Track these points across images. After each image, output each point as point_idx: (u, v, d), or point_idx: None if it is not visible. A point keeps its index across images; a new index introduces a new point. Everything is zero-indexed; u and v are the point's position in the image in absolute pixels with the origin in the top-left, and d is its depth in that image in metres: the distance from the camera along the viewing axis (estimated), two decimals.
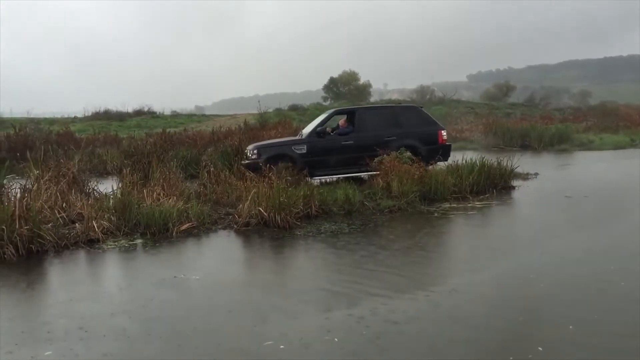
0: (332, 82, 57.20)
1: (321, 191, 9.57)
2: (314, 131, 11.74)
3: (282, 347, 4.06)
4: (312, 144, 11.47)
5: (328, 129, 12.19)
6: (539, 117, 32.62)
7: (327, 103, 50.22)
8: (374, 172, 10.87)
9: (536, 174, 13.40)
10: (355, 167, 11.36)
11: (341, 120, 12.15)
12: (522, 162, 12.54)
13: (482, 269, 6.02)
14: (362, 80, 58.28)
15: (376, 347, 4.01)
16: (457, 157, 11.65)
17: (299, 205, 8.68)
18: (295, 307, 4.94)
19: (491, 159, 11.77)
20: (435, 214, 9.16)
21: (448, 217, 8.92)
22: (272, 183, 8.88)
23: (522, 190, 11.32)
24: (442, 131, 12.32)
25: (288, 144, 11.75)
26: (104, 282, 6.13)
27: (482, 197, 10.51)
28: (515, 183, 11.83)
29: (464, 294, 5.16)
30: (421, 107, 13.23)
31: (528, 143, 21.87)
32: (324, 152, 11.34)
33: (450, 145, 12.58)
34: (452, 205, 9.85)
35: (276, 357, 3.91)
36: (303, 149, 11.39)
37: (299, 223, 8.39)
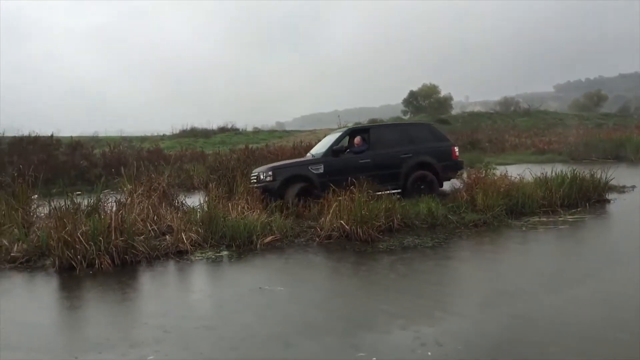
0: (412, 95, 56.79)
1: (403, 204, 9.45)
2: (329, 150, 11.20)
3: (374, 359, 4.02)
4: (329, 164, 10.96)
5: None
6: (634, 128, 30.77)
7: (407, 117, 49.84)
8: (394, 191, 10.63)
9: (633, 186, 12.62)
10: (375, 186, 10.57)
11: (356, 139, 11.63)
12: (617, 175, 11.84)
13: (584, 283, 5.70)
14: (442, 93, 57.45)
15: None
16: (545, 170, 11.18)
17: (380, 219, 8.62)
18: (383, 320, 4.87)
19: (583, 171, 11.20)
20: (524, 228, 8.80)
21: (538, 231, 8.54)
22: (354, 196, 8.87)
23: (618, 204, 10.68)
24: (455, 147, 12.02)
25: (304, 164, 11.19)
26: (194, 291, 6.33)
27: (573, 210, 10.00)
28: (610, 196, 11.19)
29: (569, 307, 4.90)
30: (431, 124, 13.18)
31: (623, 155, 20.65)
32: (341, 172, 10.66)
33: (462, 161, 12.33)
34: (542, 219, 9.44)
35: None
36: (320, 169, 10.87)
37: (381, 236, 8.32)
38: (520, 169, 12.33)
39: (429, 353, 4.08)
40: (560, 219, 9.40)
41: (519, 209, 9.78)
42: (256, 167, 12.25)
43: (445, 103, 57.12)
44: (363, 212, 8.42)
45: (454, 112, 54.34)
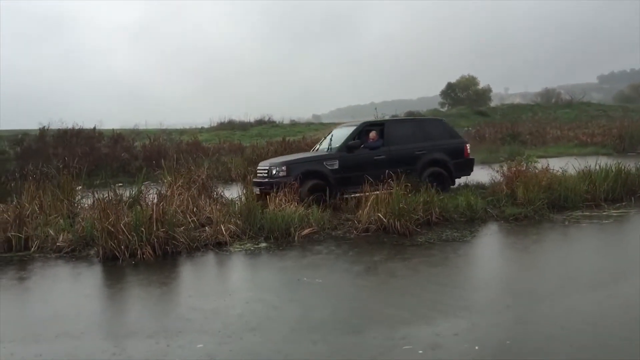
0: (450, 87, 56.06)
1: (441, 198, 9.36)
2: (344, 145, 10.77)
3: (420, 352, 4.02)
4: (344, 159, 10.53)
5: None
6: None
7: (444, 109, 49.24)
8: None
9: None
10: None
11: (371, 134, 11.18)
12: None
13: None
14: (481, 85, 56.51)
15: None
16: (589, 163, 10.90)
17: (418, 212, 8.56)
18: (426, 313, 4.84)
19: (628, 164, 10.88)
20: (566, 223, 8.62)
21: (581, 226, 8.36)
22: (392, 189, 8.82)
23: None
24: (467, 145, 11.76)
25: (319, 159, 10.67)
26: (235, 281, 6.43)
27: (618, 205, 9.74)
28: None
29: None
30: (444, 120, 12.81)
31: None
32: (356, 168, 10.37)
33: (473, 159, 11.97)
34: (584, 213, 9.23)
35: None
36: (335, 165, 10.43)
37: (419, 230, 8.27)
38: (562, 162, 12.03)
39: (476, 347, 4.05)
40: (604, 213, 9.16)
41: (561, 203, 9.59)
42: (267, 160, 11.82)
43: (483, 95, 56.18)
44: (401, 205, 8.37)
45: (492, 104, 53.42)
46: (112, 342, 4.49)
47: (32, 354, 4.29)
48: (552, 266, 6.44)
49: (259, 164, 11.30)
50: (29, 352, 4.34)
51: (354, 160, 10.59)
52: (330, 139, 11.53)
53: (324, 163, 10.45)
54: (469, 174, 11.51)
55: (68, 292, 6.25)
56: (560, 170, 10.60)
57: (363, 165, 10.43)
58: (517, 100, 57.76)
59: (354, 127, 11.34)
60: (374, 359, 3.95)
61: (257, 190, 10.14)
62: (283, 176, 10.01)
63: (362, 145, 10.90)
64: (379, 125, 11.44)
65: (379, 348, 4.12)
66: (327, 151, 11.04)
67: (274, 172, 10.23)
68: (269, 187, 9.75)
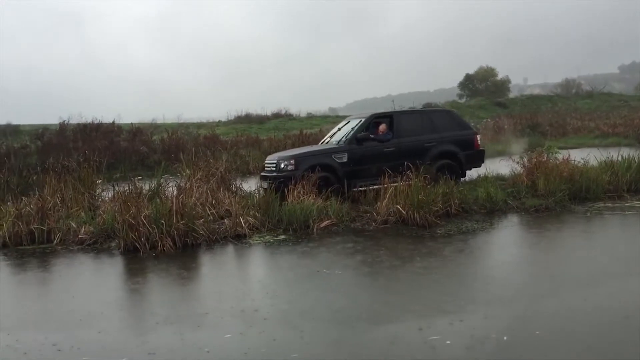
0: (468, 78, 55.49)
1: (461, 189, 9.29)
2: (353, 138, 10.54)
3: (448, 342, 4.01)
4: (353, 152, 10.32)
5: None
6: None
7: (462, 101, 48.81)
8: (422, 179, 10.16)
9: None
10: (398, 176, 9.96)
11: (381, 126, 10.95)
12: None
13: None
14: (499, 76, 55.87)
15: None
16: (611, 154, 10.74)
17: (438, 204, 8.51)
18: (449, 304, 4.82)
19: None
20: (588, 214, 8.51)
21: (603, 217, 8.25)
22: (410, 181, 8.78)
23: None
24: (478, 136, 11.50)
25: (328, 152, 10.45)
26: (255, 273, 6.46)
27: None
28: None
29: None
30: (454, 111, 12.49)
31: None
32: (366, 161, 10.25)
33: (484, 150, 11.69)
34: (607, 204, 9.11)
35: (446, 353, 3.84)
36: (344, 158, 10.23)
37: (438, 221, 8.22)
38: (583, 153, 11.88)
39: (505, 337, 4.03)
40: (626, 204, 9.03)
41: (582, 194, 9.46)
42: (274, 154, 11.63)
43: (502, 86, 55.55)
44: (420, 197, 8.33)
45: (511, 95, 52.84)
46: (136, 332, 4.54)
47: (56, 341, 4.35)
48: (577, 258, 6.37)
49: (267, 158, 11.20)
50: (54, 340, 4.40)
51: (363, 153, 10.41)
52: (339, 132, 11.41)
53: (333, 156, 10.28)
54: (480, 166, 11.28)
55: (91, 283, 6.33)
56: (582, 161, 10.46)
57: (372, 158, 10.31)
58: (536, 91, 57.07)
59: (363, 119, 11.13)
60: (402, 349, 3.94)
61: (264, 184, 10.12)
62: (291, 170, 9.90)
63: (372, 138, 10.72)
64: (387, 117, 11.24)
65: (406, 338, 4.12)
66: (336, 144, 10.88)
67: (282, 165, 10.10)
68: (277, 181, 9.71)
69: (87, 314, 5.06)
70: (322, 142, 11.97)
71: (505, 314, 4.55)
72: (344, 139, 10.78)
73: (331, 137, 11.63)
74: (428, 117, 11.46)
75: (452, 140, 11.02)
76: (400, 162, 9.97)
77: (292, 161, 10.07)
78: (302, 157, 10.32)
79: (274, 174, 10.12)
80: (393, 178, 9.20)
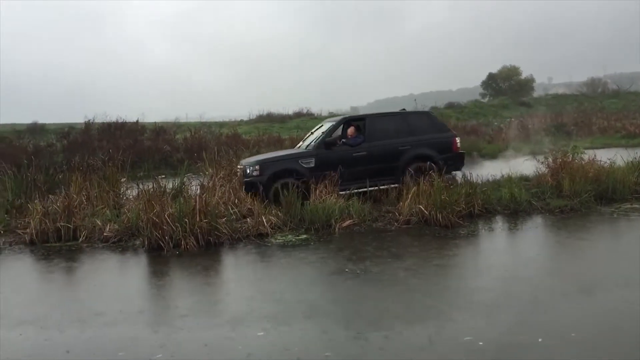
0: (491, 77, 54.85)
1: (484, 189, 9.21)
2: (321, 142, 10.23)
3: (480, 343, 4.00)
4: (321, 157, 9.98)
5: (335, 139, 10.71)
6: None
7: (485, 100, 48.33)
8: (393, 185, 9.89)
9: None
10: (371, 181, 9.85)
11: (349, 129, 10.58)
12: None
13: None
14: (523, 75, 55.13)
15: None
16: (638, 154, 10.55)
17: (461, 204, 8.44)
18: (476, 304, 4.79)
19: None
20: (615, 215, 8.38)
21: (630, 219, 8.11)
22: (433, 181, 8.73)
23: None
24: (457, 138, 11.03)
25: (294, 157, 10.21)
26: (278, 271, 6.46)
27: None
28: None
29: None
30: (431, 112, 12.13)
31: None
32: (334, 166, 9.68)
33: (464, 153, 11.31)
34: (634, 205, 8.94)
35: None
36: (311, 163, 9.90)
37: (461, 222, 8.16)
38: (609, 153, 11.66)
39: (540, 339, 4.01)
40: None
41: (608, 195, 9.31)
42: (245, 158, 11.31)
43: (526, 85, 54.77)
44: (443, 197, 8.28)
45: (535, 94, 52.12)
46: (162, 328, 4.60)
47: (84, 338, 4.43)
48: (605, 259, 6.28)
49: (240, 162, 10.89)
50: (81, 336, 4.48)
51: (332, 158, 10.01)
52: (311, 136, 11.11)
53: (300, 161, 9.98)
54: (459, 169, 10.81)
55: (118, 280, 6.44)
56: (608, 162, 10.29)
57: (342, 163, 9.84)
58: (561, 91, 56.08)
59: (333, 123, 10.85)
60: (433, 348, 3.93)
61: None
62: (256, 175, 9.68)
63: (343, 141, 10.43)
64: (360, 120, 10.95)
65: (436, 337, 4.12)
66: (304, 149, 10.54)
67: (247, 171, 9.89)
68: (244, 186, 9.54)
69: (113, 310, 5.14)
70: (296, 147, 11.60)
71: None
72: (313, 143, 10.49)
73: (304, 141, 11.31)
74: (403, 120, 10.96)
75: (429, 143, 10.61)
76: (372, 166, 9.82)
77: (257, 167, 9.82)
78: (267, 162, 10.03)
79: (243, 179, 9.88)
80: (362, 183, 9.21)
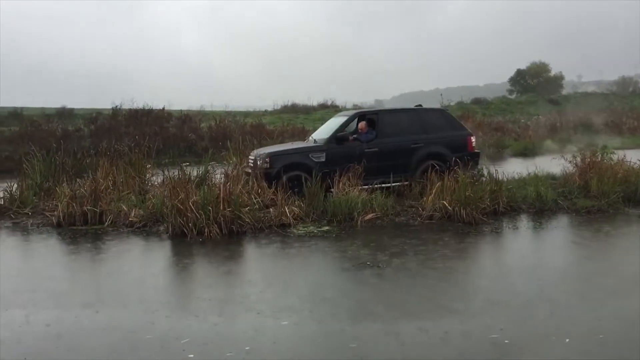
0: (519, 74, 54.05)
1: (509, 187, 9.11)
2: (333, 137, 10.07)
3: (506, 341, 3.97)
4: (332, 152, 9.84)
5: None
6: None
7: (512, 96, 47.66)
8: (404, 183, 9.75)
9: None
10: (381, 178, 9.65)
11: (361, 124, 10.42)
12: None
13: None
14: (552, 72, 54.23)
15: None
16: None
17: (485, 201, 8.36)
18: (501, 298, 4.76)
19: None
20: None
21: None
22: (457, 177, 8.66)
23: None
24: (472, 137, 10.71)
25: (305, 151, 10.03)
26: (300, 262, 6.48)
27: None
28: None
29: None
30: (447, 110, 11.85)
31: None
32: (344, 161, 9.56)
33: (479, 152, 10.98)
34: None
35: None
36: (322, 157, 9.77)
37: (485, 219, 8.09)
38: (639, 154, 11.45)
39: (566, 339, 3.98)
40: None
41: (637, 197, 9.13)
42: (257, 149, 11.05)
43: (555, 82, 53.89)
44: (467, 194, 8.21)
45: (564, 92, 51.23)
46: (184, 314, 4.66)
47: (108, 319, 4.52)
48: (633, 262, 6.17)
49: (251, 154, 10.72)
50: (106, 318, 4.56)
51: (342, 153, 9.87)
52: (323, 129, 10.99)
53: (310, 155, 9.83)
54: (474, 169, 10.36)
55: (144, 264, 6.54)
56: (638, 163, 10.08)
57: (353, 159, 9.68)
58: (591, 89, 55.01)
59: (346, 118, 10.71)
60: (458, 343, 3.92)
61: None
62: (266, 168, 9.56)
63: (354, 137, 10.28)
64: (373, 115, 10.70)
65: (462, 329, 4.11)
66: (315, 143, 10.35)
67: (258, 162, 9.77)
68: (257, 178, 9.33)
69: (137, 293, 5.21)
70: (307, 140, 11.44)
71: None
72: (324, 137, 10.34)
73: (315, 134, 11.18)
74: (417, 117, 10.71)
75: (443, 141, 10.37)
76: (383, 163, 9.65)
77: (267, 159, 9.69)
78: (277, 155, 9.89)
79: (253, 170, 9.75)
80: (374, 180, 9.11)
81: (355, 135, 10.32)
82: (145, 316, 4.63)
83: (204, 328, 4.35)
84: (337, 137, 10.06)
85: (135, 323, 4.48)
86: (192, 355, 3.84)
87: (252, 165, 10.04)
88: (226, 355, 3.83)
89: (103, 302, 5.06)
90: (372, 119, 10.55)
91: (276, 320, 4.49)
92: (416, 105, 11.23)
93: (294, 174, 9.47)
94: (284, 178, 9.29)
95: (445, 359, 3.75)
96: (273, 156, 9.78)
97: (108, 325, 4.46)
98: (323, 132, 10.82)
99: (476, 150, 10.85)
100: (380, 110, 11.24)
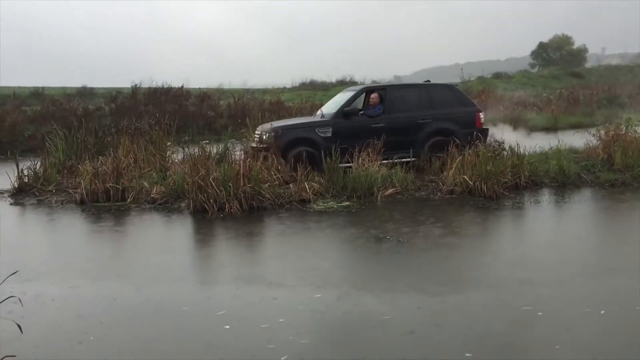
0: (542, 47, 53.05)
1: (531, 161, 9.00)
2: (340, 111, 9.97)
3: (540, 313, 3.99)
4: (339, 127, 9.74)
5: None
6: None
7: (534, 70, 46.86)
8: (411, 159, 9.64)
9: None
10: (387, 154, 9.34)
11: (373, 95, 10.27)
12: None
13: None
14: (576, 45, 53.11)
15: None
16: None
17: (506, 175, 8.29)
18: (524, 275, 4.75)
19: None
20: None
21: None
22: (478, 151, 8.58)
23: None
24: (480, 113, 10.52)
25: (312, 125, 9.96)
26: (321, 237, 6.53)
27: None
28: None
29: None
30: (456, 86, 11.59)
31: None
32: (351, 137, 9.47)
33: (488, 129, 10.76)
34: None
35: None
36: (328, 132, 9.67)
37: (506, 193, 8.02)
38: None
39: (602, 311, 3.94)
40: None
41: None
42: (263, 124, 10.93)
43: (578, 55, 52.84)
44: (488, 168, 8.14)
45: (588, 65, 50.19)
46: (204, 288, 4.73)
47: (136, 294, 4.61)
48: None
49: (257, 129, 10.66)
50: (135, 292, 4.65)
51: (349, 128, 9.79)
52: (330, 104, 10.90)
53: (317, 130, 9.77)
54: (483, 145, 9.85)
55: (170, 239, 6.64)
56: None
57: (359, 134, 9.58)
58: (615, 62, 53.79)
59: (353, 93, 10.61)
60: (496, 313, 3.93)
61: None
62: (272, 142, 9.48)
63: (361, 112, 10.20)
64: (380, 91, 10.55)
65: (487, 305, 4.12)
66: (322, 117, 10.23)
67: (264, 137, 9.75)
68: (259, 153, 9.19)
69: (161, 269, 5.30)
70: (315, 115, 11.29)
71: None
72: (331, 112, 10.24)
73: (323, 109, 10.99)
74: (425, 92, 10.56)
75: (451, 117, 10.25)
76: (390, 139, 9.51)
77: (272, 134, 9.63)
78: (283, 129, 9.78)
79: (259, 144, 9.73)
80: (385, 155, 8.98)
81: (362, 111, 10.25)
82: (179, 289, 4.72)
83: (237, 302, 4.41)
84: (345, 112, 9.96)
85: (171, 297, 4.57)
86: (227, 327, 3.90)
87: (257, 140, 10.02)
88: (261, 327, 3.88)
89: (142, 276, 5.15)
90: (380, 94, 10.43)
91: (310, 293, 4.52)
92: (425, 81, 11.15)
93: (300, 149, 9.46)
94: (291, 153, 9.28)
95: (487, 328, 3.76)
96: (279, 130, 9.70)
97: (149, 298, 4.55)
98: (330, 106, 10.74)
99: (485, 127, 10.70)
100: (388, 86, 11.19)
